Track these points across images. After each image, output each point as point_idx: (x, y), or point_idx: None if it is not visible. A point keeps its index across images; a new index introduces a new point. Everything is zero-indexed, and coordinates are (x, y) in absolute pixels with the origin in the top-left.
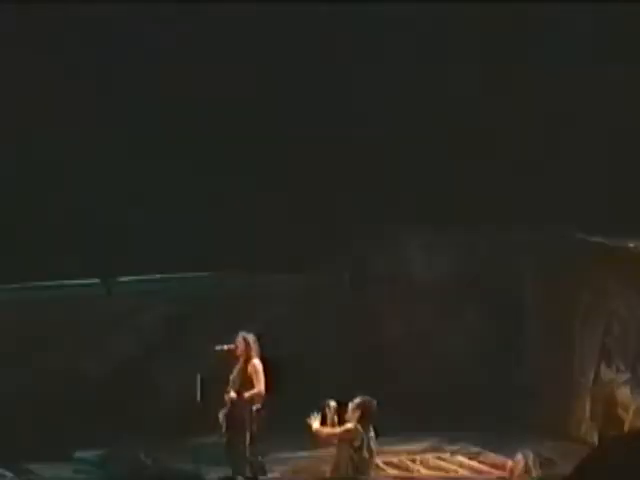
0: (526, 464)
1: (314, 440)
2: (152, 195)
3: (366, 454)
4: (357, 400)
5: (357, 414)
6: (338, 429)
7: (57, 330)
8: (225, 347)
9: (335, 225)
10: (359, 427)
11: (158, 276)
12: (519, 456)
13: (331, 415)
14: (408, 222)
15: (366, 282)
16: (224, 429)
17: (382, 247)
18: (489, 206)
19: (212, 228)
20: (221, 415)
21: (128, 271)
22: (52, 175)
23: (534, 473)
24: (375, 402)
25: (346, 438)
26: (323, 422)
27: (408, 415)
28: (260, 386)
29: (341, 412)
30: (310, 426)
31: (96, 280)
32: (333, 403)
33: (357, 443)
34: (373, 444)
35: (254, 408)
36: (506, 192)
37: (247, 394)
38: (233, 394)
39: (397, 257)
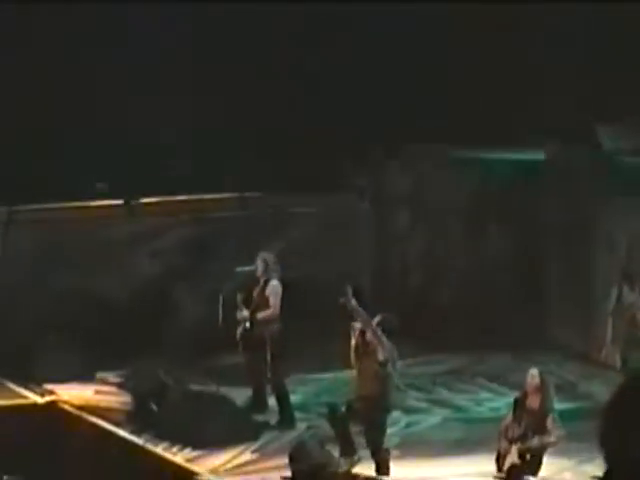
0: (542, 380)
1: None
2: (176, 115)
3: (391, 369)
4: (377, 318)
5: (380, 331)
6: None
7: (78, 252)
8: (246, 268)
9: (354, 146)
10: (385, 340)
11: (180, 197)
12: (534, 371)
13: (356, 336)
14: (426, 141)
15: (385, 202)
16: (241, 348)
17: (401, 167)
18: (506, 124)
19: (233, 149)
20: (238, 334)
21: (150, 192)
22: (75, 94)
23: (548, 391)
24: (395, 319)
25: (371, 350)
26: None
27: (428, 337)
28: (275, 307)
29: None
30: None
31: (118, 201)
32: (357, 324)
33: (382, 357)
34: (397, 360)
35: (273, 329)
36: (523, 110)
37: (260, 314)
38: (245, 312)
39: (416, 177)
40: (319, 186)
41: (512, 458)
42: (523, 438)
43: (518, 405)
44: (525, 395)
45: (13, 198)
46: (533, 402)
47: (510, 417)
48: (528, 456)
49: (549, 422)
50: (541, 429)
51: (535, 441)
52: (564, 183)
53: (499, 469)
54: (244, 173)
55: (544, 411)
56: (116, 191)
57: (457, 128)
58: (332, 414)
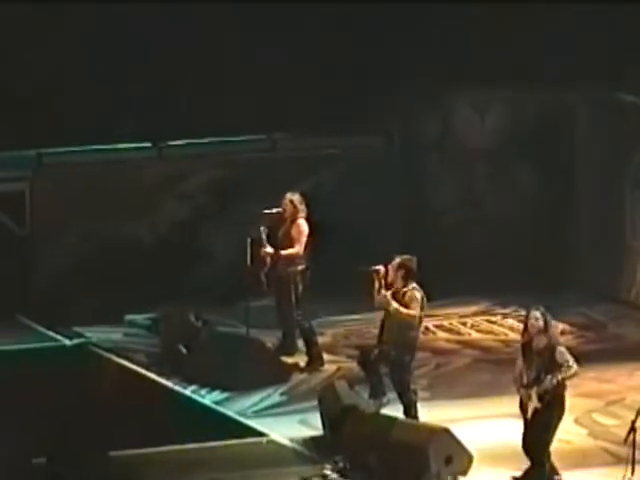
0: (545, 321)
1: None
2: (204, 55)
3: (418, 312)
4: (397, 260)
5: (400, 273)
6: (404, 310)
7: (106, 195)
8: (274, 210)
9: (383, 88)
10: (419, 311)
11: (208, 139)
12: (536, 313)
13: (379, 280)
14: (456, 80)
15: (414, 143)
16: (265, 287)
17: (431, 107)
18: (537, 64)
19: (261, 90)
20: (262, 273)
21: (179, 134)
22: (108, 35)
23: (551, 328)
24: (415, 259)
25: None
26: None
27: (459, 279)
28: (300, 246)
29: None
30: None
31: (147, 144)
32: (381, 268)
33: (415, 313)
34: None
35: (297, 268)
36: (555, 49)
37: (285, 252)
38: (269, 249)
39: (446, 117)
40: (348, 129)
41: (533, 403)
42: (537, 381)
43: (525, 350)
44: (530, 339)
45: (42, 142)
46: (540, 343)
47: (520, 364)
48: (547, 397)
49: (558, 357)
50: (553, 367)
51: (550, 380)
52: (596, 125)
53: (524, 416)
54: (273, 115)
55: (551, 349)
56: (145, 133)
57: (486, 68)
58: (363, 356)
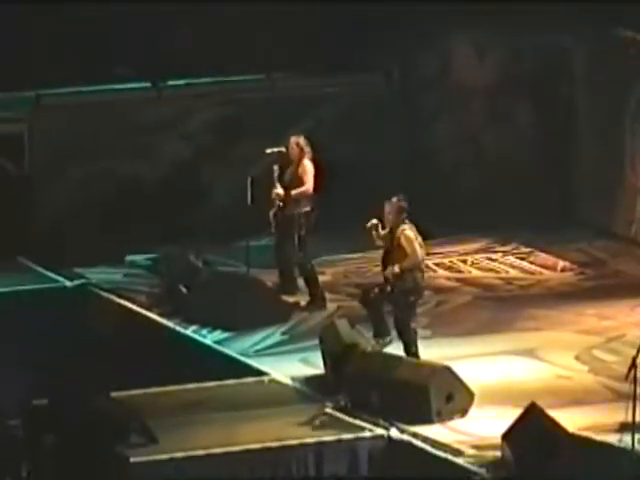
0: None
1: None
2: None
3: (419, 251)
4: (394, 199)
5: (395, 214)
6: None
7: (106, 135)
8: (275, 150)
9: (382, 26)
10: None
11: (208, 79)
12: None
13: (376, 234)
14: (455, 23)
15: (414, 84)
16: (273, 228)
17: (430, 46)
18: (537, 7)
19: (260, 29)
20: (271, 214)
21: (178, 74)
22: None
23: None
24: (405, 199)
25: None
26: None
27: (459, 217)
28: (309, 185)
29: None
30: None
31: (146, 84)
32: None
33: (420, 258)
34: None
35: (303, 210)
36: None
37: (294, 191)
38: (280, 190)
39: (445, 59)
40: (347, 67)
41: None
42: None
43: None
44: None
45: (41, 83)
46: None
47: None
48: None
49: None
50: None
51: None
52: (595, 64)
53: None
54: (272, 54)
55: None
56: (144, 74)
57: (485, 10)
58: (366, 295)
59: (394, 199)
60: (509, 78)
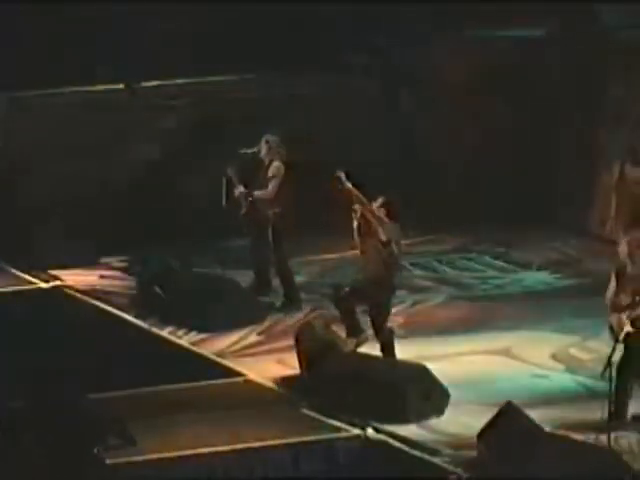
0: None
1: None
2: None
3: (395, 249)
4: (380, 200)
5: (382, 213)
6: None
7: (79, 136)
8: (249, 151)
9: (358, 25)
10: (386, 219)
11: (181, 80)
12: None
13: (357, 217)
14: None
15: (390, 81)
16: (244, 229)
17: (411, 47)
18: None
19: (238, 28)
20: (241, 214)
21: (152, 75)
22: None
23: None
24: (397, 201)
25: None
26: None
27: (434, 216)
28: (269, 190)
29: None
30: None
31: (120, 85)
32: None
33: (384, 238)
34: (400, 240)
35: (275, 211)
36: None
37: (256, 193)
38: (242, 188)
39: (426, 57)
40: (328, 67)
41: (626, 328)
42: (632, 306)
43: (619, 275)
44: (624, 265)
45: (13, 84)
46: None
47: (613, 289)
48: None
49: None
50: None
51: None
52: (566, 59)
53: (616, 340)
54: (247, 53)
55: None
56: (117, 75)
57: (458, 7)
58: (336, 295)
59: (380, 199)
60: (489, 76)
